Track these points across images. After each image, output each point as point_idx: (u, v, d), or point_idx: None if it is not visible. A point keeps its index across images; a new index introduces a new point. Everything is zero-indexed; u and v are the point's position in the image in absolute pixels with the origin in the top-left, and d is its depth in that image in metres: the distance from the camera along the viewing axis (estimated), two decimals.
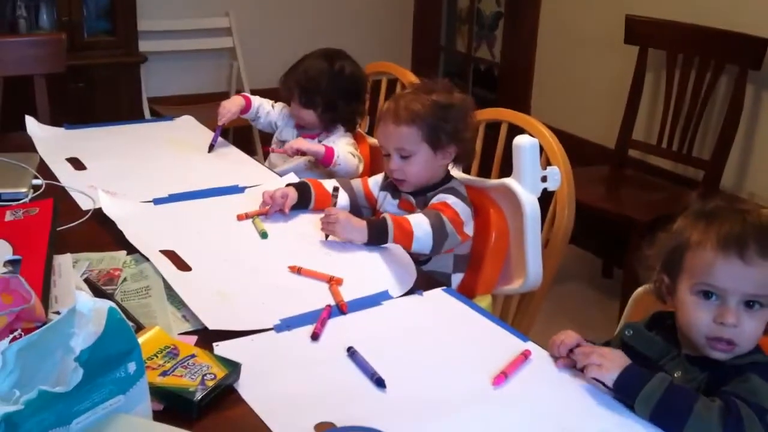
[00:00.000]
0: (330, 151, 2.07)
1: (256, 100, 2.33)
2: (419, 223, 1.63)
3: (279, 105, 2.34)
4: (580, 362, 1.20)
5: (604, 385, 1.17)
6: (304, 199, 1.78)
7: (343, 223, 1.61)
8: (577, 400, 1.17)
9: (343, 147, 2.12)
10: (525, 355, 1.25)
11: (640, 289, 1.50)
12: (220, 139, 2.23)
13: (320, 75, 2.17)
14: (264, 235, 1.66)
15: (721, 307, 1.17)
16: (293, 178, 1.92)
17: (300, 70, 2.18)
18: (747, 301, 1.17)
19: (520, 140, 1.71)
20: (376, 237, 1.61)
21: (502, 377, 1.19)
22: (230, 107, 2.26)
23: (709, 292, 1.18)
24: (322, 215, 1.65)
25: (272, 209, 1.73)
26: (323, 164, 2.08)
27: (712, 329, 1.17)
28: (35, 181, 1.84)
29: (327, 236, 1.64)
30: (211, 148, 2.18)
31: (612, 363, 1.17)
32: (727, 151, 2.85)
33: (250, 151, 2.41)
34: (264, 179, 1.98)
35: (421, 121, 1.71)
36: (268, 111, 2.33)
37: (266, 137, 2.52)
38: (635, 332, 1.29)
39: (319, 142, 2.19)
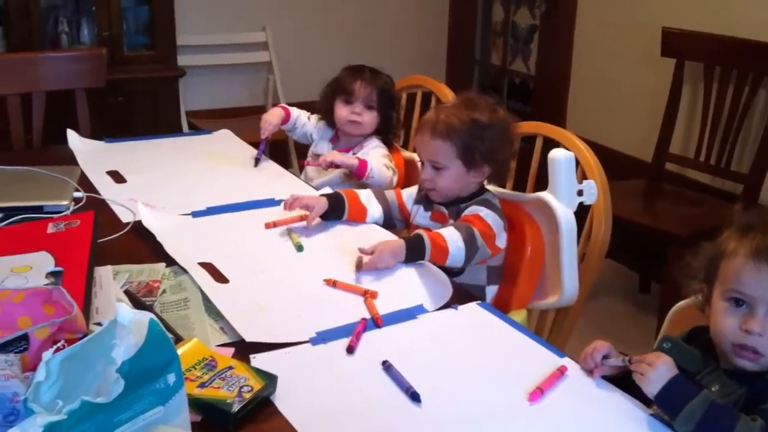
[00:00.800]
0: (363, 164, 2.09)
1: (295, 111, 2.35)
2: (453, 240, 1.63)
3: (314, 117, 2.36)
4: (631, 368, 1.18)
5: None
6: (337, 211, 1.79)
7: (382, 253, 1.57)
8: (614, 417, 1.16)
9: (377, 159, 2.13)
10: (561, 371, 1.25)
11: (679, 304, 1.49)
12: (266, 159, 2.27)
13: (384, 81, 2.22)
14: (300, 248, 1.68)
15: (748, 315, 1.17)
16: (328, 190, 1.93)
17: (367, 75, 2.21)
18: None
19: (556, 154, 1.70)
20: (414, 255, 1.60)
21: (538, 393, 1.19)
22: (271, 119, 2.28)
23: (739, 299, 1.18)
24: (358, 249, 1.60)
25: (293, 206, 1.76)
26: (356, 177, 2.09)
27: (737, 336, 1.17)
28: (76, 194, 1.87)
29: (358, 266, 1.59)
30: (257, 162, 2.20)
31: (657, 374, 1.15)
32: (765, 164, 2.81)
33: (286, 164, 2.43)
34: (300, 192, 1.99)
35: (457, 138, 1.71)
36: (304, 122, 2.35)
37: (302, 150, 2.53)
38: (673, 345, 1.29)
39: (354, 154, 2.21)
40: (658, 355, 1.18)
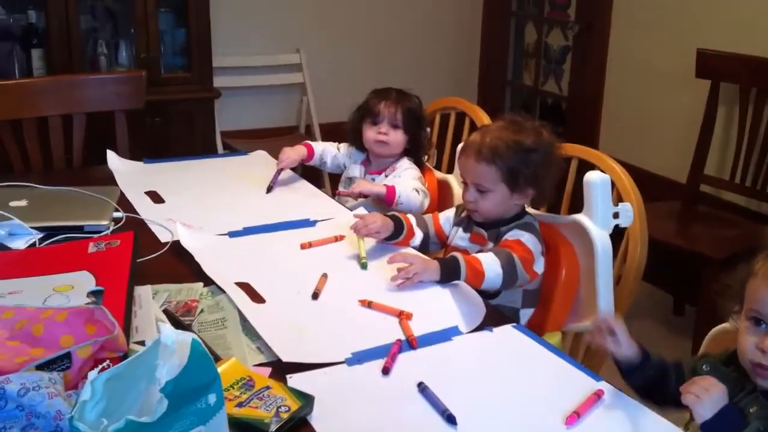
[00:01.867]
0: (391, 191, 2.09)
1: (319, 147, 2.35)
2: (490, 265, 1.63)
3: (344, 146, 2.37)
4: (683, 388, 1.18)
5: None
6: (396, 235, 1.80)
7: (420, 271, 1.60)
8: None
9: (407, 182, 2.14)
10: (598, 395, 1.24)
11: (717, 327, 1.48)
12: (291, 173, 2.28)
13: (410, 101, 2.23)
14: (364, 266, 1.70)
15: (765, 334, 1.18)
16: (363, 211, 1.95)
17: (392, 95, 2.23)
18: None
19: (591, 176, 1.70)
20: (448, 276, 1.61)
21: (574, 417, 1.19)
22: (291, 155, 2.29)
23: (759, 318, 1.19)
24: (394, 264, 1.63)
25: (365, 232, 1.76)
26: (386, 203, 2.10)
27: (755, 355, 1.19)
28: (116, 214, 1.90)
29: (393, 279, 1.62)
30: (269, 189, 2.20)
31: (712, 400, 1.15)
32: None
33: (318, 184, 2.44)
34: (335, 213, 2.02)
35: (502, 161, 1.72)
36: (334, 154, 2.36)
37: (335, 176, 2.55)
38: (711, 367, 1.28)
39: (386, 176, 2.22)
40: (713, 381, 1.18)
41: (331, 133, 3.67)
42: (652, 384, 1.33)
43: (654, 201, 3.13)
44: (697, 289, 2.84)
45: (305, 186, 2.27)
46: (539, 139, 1.74)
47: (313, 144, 2.37)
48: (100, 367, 0.91)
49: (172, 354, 0.91)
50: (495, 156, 1.72)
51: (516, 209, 1.78)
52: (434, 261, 1.63)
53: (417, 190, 2.12)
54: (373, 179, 2.27)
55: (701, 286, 2.75)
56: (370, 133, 2.22)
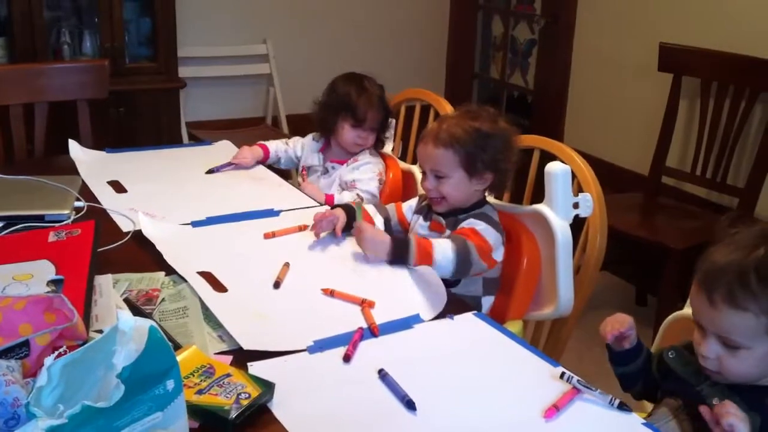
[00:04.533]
0: (330, 199, 2.17)
1: (272, 146, 2.37)
2: (443, 249, 1.65)
3: (293, 140, 2.41)
4: (713, 418, 1.14)
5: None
6: (350, 222, 1.81)
7: (369, 238, 1.66)
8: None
9: (363, 182, 2.20)
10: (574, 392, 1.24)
11: (673, 315, 1.51)
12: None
13: (382, 96, 2.26)
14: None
15: (703, 337, 1.20)
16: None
17: (375, 100, 2.24)
18: (724, 339, 1.18)
19: (552, 167, 1.72)
20: (398, 255, 1.64)
21: (553, 410, 1.19)
22: (247, 155, 2.29)
23: (697, 321, 1.22)
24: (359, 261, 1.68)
25: (318, 229, 1.77)
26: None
27: (699, 353, 1.21)
28: (77, 204, 1.89)
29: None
30: (211, 171, 2.22)
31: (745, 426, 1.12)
32: (761, 178, 2.83)
33: (286, 175, 2.45)
34: (299, 203, 2.02)
35: (460, 147, 1.74)
36: (285, 149, 2.39)
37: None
38: (677, 355, 1.31)
39: (347, 167, 2.27)
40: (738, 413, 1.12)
41: (298, 124, 3.68)
42: (638, 374, 1.37)
43: (617, 193, 3.18)
44: (659, 280, 2.89)
45: (270, 176, 2.26)
46: (496, 126, 1.77)
47: (268, 144, 2.37)
48: (56, 353, 0.91)
49: (130, 340, 0.91)
50: (452, 141, 1.74)
51: (477, 196, 1.80)
52: (387, 237, 1.67)
53: (359, 195, 2.16)
54: (333, 168, 2.30)
55: (662, 276, 2.79)
56: (350, 135, 2.25)
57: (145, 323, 0.94)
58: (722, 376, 1.21)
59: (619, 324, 1.33)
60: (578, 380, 1.24)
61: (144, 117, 3.59)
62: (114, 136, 3.41)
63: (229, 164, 2.25)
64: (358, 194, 2.18)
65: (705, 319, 1.19)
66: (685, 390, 1.28)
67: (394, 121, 2.38)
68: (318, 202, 2.07)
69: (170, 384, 0.96)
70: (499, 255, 1.74)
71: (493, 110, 1.82)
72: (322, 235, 1.78)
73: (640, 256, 3.27)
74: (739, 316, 1.15)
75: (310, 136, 2.38)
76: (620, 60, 3.55)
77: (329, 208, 1.89)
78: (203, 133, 3.80)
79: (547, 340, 1.87)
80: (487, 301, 1.79)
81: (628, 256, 3.34)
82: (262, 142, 2.37)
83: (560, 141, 2.04)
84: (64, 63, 3.23)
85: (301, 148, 2.38)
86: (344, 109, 2.24)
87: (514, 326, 1.74)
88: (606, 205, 1.81)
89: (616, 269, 3.47)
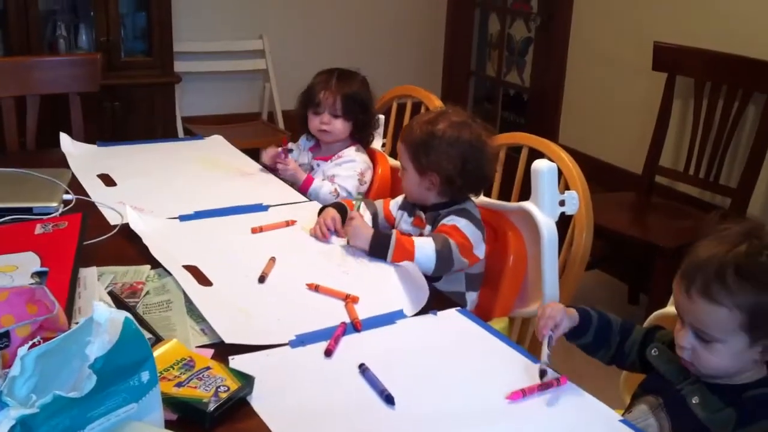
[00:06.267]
0: (308, 182, 2.19)
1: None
2: (423, 247, 1.66)
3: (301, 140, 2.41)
4: None
5: None
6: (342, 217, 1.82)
7: (356, 226, 1.70)
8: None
9: (331, 183, 2.19)
10: (551, 384, 1.25)
11: (658, 312, 1.51)
12: (250, 160, 2.31)
13: (350, 87, 2.24)
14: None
15: (682, 327, 1.23)
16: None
17: (332, 82, 2.23)
18: (699, 331, 1.20)
19: (538, 164, 1.73)
20: (377, 249, 1.67)
21: (519, 394, 1.21)
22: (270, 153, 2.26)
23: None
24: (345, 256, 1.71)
25: (320, 230, 1.78)
26: (301, 191, 2.14)
27: (677, 343, 1.24)
28: (66, 196, 1.89)
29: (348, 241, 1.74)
30: (286, 153, 2.23)
31: None
32: (754, 178, 2.84)
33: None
34: (288, 198, 2.02)
35: (410, 142, 1.78)
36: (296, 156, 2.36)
37: None
38: (660, 353, 1.31)
39: (331, 163, 2.26)
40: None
41: (294, 120, 3.67)
42: (596, 343, 1.38)
43: (611, 191, 3.18)
44: (650, 279, 2.89)
45: (260, 171, 2.26)
46: (451, 130, 1.75)
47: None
48: (30, 343, 0.91)
49: (104, 332, 0.92)
50: (406, 136, 1.80)
51: (431, 197, 1.80)
52: (372, 229, 1.70)
53: (334, 193, 2.16)
54: (318, 165, 2.30)
55: (653, 275, 2.80)
56: (314, 122, 2.26)
57: (120, 315, 0.94)
58: (695, 368, 1.22)
59: (552, 321, 1.34)
60: (543, 362, 1.26)
61: (139, 111, 3.59)
62: (109, 131, 3.41)
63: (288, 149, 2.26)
64: (336, 189, 2.17)
65: (682, 310, 1.21)
66: (665, 388, 1.28)
67: (382, 117, 2.38)
68: (297, 179, 2.14)
69: (145, 375, 0.96)
70: (480, 252, 1.75)
71: (467, 114, 1.81)
72: (341, 241, 1.77)
73: (631, 255, 3.27)
74: (713, 310, 1.16)
75: (303, 136, 2.38)
76: (615, 58, 3.56)
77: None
78: (199, 128, 3.81)
79: (533, 337, 1.87)
80: (471, 297, 1.79)
81: (620, 255, 3.35)
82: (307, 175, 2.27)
83: (555, 139, 2.04)
84: (55, 56, 3.23)
85: (298, 147, 2.38)
86: (308, 99, 2.26)
87: (500, 323, 1.75)
88: (599, 203, 1.81)
89: (608, 268, 3.48)
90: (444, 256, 1.66)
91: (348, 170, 2.22)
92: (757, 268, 1.15)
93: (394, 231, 1.69)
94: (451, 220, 1.73)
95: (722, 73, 2.96)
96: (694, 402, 1.23)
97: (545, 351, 1.29)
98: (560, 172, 1.77)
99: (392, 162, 2.31)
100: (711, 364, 1.20)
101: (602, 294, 3.32)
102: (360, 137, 2.30)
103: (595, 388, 1.26)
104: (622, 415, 1.24)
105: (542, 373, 1.25)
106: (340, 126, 2.24)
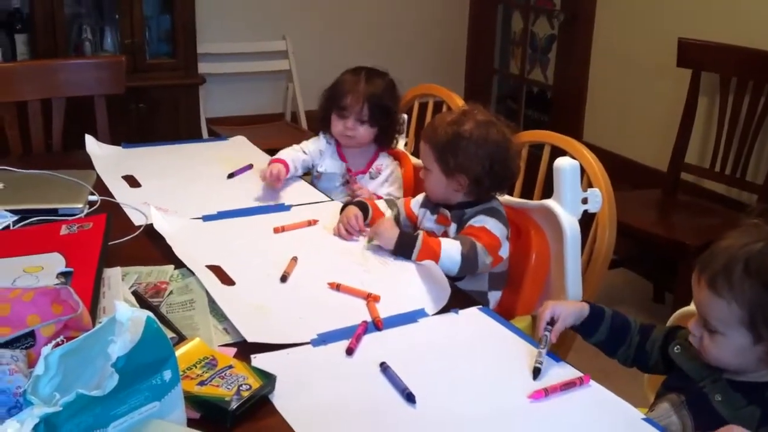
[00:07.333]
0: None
1: (288, 160, 2.19)
2: (449, 251, 1.66)
3: (308, 142, 2.30)
4: None
5: None
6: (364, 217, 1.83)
7: (382, 230, 1.70)
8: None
9: (396, 191, 2.17)
10: (574, 383, 1.25)
11: (682, 309, 1.50)
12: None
13: (377, 89, 2.14)
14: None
15: (696, 315, 1.24)
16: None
17: (360, 86, 2.14)
18: (704, 320, 1.21)
19: (561, 162, 1.72)
20: (402, 249, 1.67)
21: (541, 393, 1.20)
22: (277, 175, 2.10)
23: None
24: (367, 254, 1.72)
25: (344, 228, 1.78)
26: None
27: (689, 328, 1.25)
28: (91, 198, 1.91)
29: (370, 240, 1.75)
30: (231, 176, 2.17)
31: None
32: None
33: None
34: (310, 198, 2.03)
35: (436, 143, 1.77)
36: (302, 159, 2.24)
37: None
38: (683, 350, 1.31)
39: (370, 177, 2.21)
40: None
41: (317, 120, 3.68)
42: (612, 341, 1.39)
43: (636, 189, 3.16)
44: (676, 277, 2.86)
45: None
46: (478, 131, 1.73)
47: (285, 158, 2.19)
48: (53, 342, 0.93)
49: (126, 331, 0.93)
50: (431, 136, 1.78)
51: (457, 197, 1.79)
52: (397, 230, 1.70)
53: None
54: (355, 179, 2.23)
55: (679, 273, 2.77)
56: (337, 126, 2.17)
57: (143, 314, 0.95)
58: (702, 356, 1.23)
59: (542, 321, 1.36)
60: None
61: (163, 113, 3.61)
62: (134, 133, 3.43)
63: (249, 166, 2.21)
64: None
65: (694, 296, 1.23)
66: (688, 386, 1.27)
67: (405, 116, 2.35)
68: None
69: (167, 374, 0.97)
70: (504, 251, 1.74)
71: (492, 114, 1.79)
72: (363, 240, 1.77)
73: (657, 253, 3.25)
74: (715, 302, 1.18)
75: (322, 137, 2.27)
76: (639, 55, 3.53)
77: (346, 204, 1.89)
78: (223, 129, 3.83)
79: None
80: (494, 296, 1.79)
81: (646, 253, 3.32)
82: (278, 157, 2.20)
83: (579, 137, 2.04)
84: (81, 59, 3.26)
85: (318, 148, 2.27)
86: (333, 99, 2.17)
87: (523, 322, 1.74)
88: (623, 201, 1.80)
89: (633, 266, 3.45)
90: (469, 259, 1.66)
91: (394, 183, 2.20)
92: (764, 267, 1.15)
93: (420, 232, 1.69)
94: (481, 221, 1.73)
95: (748, 69, 2.93)
96: (717, 399, 1.22)
97: (539, 350, 1.31)
98: (583, 170, 1.76)
99: (414, 161, 2.31)
100: (713, 355, 1.21)
101: (627, 293, 3.30)
102: (383, 141, 2.22)
103: (621, 387, 1.26)
104: (646, 413, 1.23)
105: (535, 372, 1.26)
106: (364, 132, 2.16)
